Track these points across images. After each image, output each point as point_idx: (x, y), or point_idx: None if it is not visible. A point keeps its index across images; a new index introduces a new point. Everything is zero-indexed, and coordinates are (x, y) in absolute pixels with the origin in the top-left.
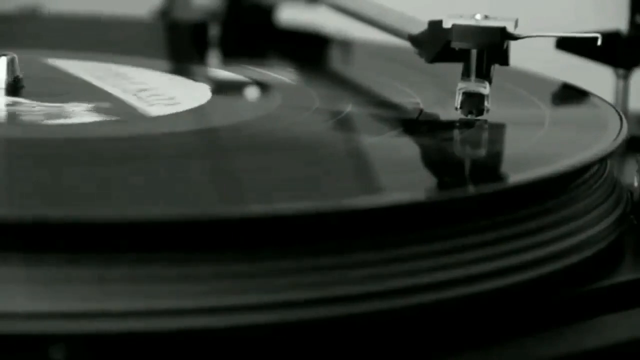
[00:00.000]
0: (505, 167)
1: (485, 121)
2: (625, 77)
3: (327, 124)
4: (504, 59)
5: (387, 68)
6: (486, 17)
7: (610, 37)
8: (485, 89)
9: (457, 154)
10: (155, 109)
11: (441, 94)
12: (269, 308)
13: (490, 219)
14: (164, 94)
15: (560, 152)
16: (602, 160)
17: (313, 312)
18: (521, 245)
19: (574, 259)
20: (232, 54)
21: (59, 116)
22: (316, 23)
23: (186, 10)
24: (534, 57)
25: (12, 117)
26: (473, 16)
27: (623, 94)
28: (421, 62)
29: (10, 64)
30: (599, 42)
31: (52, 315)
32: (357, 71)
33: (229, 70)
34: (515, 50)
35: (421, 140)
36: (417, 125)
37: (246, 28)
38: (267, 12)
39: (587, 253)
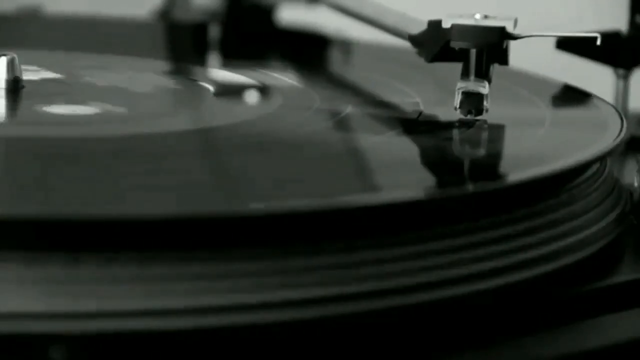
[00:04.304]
0: (505, 167)
1: (485, 121)
2: (625, 77)
3: (328, 123)
4: (503, 59)
5: (387, 68)
6: (486, 16)
7: (610, 37)
8: (484, 88)
9: (458, 153)
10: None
11: (441, 94)
12: (269, 307)
13: (490, 218)
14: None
15: (560, 152)
16: (602, 160)
17: (312, 311)
18: (520, 245)
19: (574, 258)
20: (232, 55)
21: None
22: (316, 23)
23: (186, 11)
24: (534, 57)
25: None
26: (472, 16)
27: (623, 94)
28: (421, 61)
29: (10, 64)
30: (599, 42)
31: (52, 315)
32: (357, 71)
33: (229, 71)
34: (515, 50)
35: (421, 140)
36: (416, 125)
37: (246, 29)
38: (267, 13)
39: (587, 253)
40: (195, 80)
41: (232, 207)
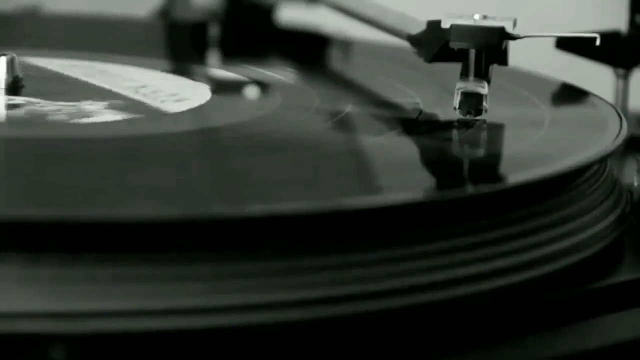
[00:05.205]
0: (505, 168)
1: (485, 121)
2: (625, 77)
3: (327, 124)
4: (503, 59)
5: (387, 68)
6: (485, 17)
7: (610, 37)
8: (484, 89)
9: (457, 154)
10: (168, 106)
11: (441, 94)
12: (269, 308)
13: (490, 219)
14: (164, 91)
15: (560, 152)
16: (602, 161)
17: (312, 312)
18: (521, 245)
19: (574, 259)
20: (232, 54)
21: (81, 115)
22: (316, 23)
23: (186, 11)
24: (533, 57)
25: (39, 116)
26: (472, 16)
27: (623, 94)
28: (421, 62)
29: (10, 64)
30: (598, 42)
31: (52, 315)
32: (357, 71)
33: (229, 71)
34: (514, 50)
35: (421, 140)
36: (416, 125)
37: (246, 28)
38: (267, 13)
39: (587, 253)
40: (195, 80)
41: (231, 208)
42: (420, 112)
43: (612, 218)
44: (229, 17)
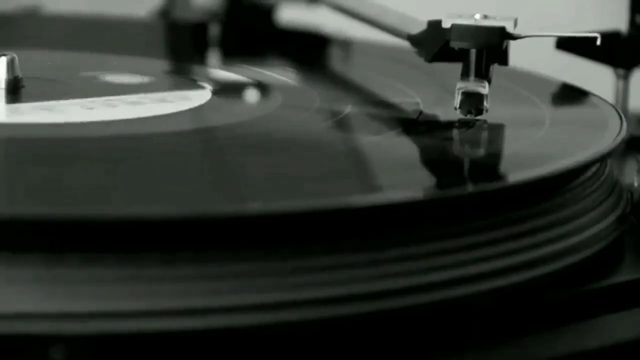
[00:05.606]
0: (505, 167)
1: (485, 121)
2: (625, 77)
3: (327, 123)
4: (503, 59)
5: (387, 68)
6: (485, 16)
7: (610, 37)
8: (484, 88)
9: (458, 153)
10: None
11: (441, 94)
12: (268, 308)
13: (490, 219)
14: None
15: (560, 151)
16: (602, 160)
17: (312, 312)
18: (520, 245)
19: (574, 258)
20: (232, 54)
21: None
22: (316, 23)
23: (186, 11)
24: (534, 57)
25: None
26: (472, 16)
27: (623, 94)
28: (421, 61)
29: (10, 64)
30: (599, 42)
31: (52, 315)
32: (357, 71)
33: (229, 71)
34: (514, 50)
35: (421, 139)
36: (416, 124)
37: (246, 28)
38: (267, 13)
39: (587, 253)
40: (195, 80)
41: (230, 207)
42: (421, 112)
43: (612, 218)
44: (229, 17)
